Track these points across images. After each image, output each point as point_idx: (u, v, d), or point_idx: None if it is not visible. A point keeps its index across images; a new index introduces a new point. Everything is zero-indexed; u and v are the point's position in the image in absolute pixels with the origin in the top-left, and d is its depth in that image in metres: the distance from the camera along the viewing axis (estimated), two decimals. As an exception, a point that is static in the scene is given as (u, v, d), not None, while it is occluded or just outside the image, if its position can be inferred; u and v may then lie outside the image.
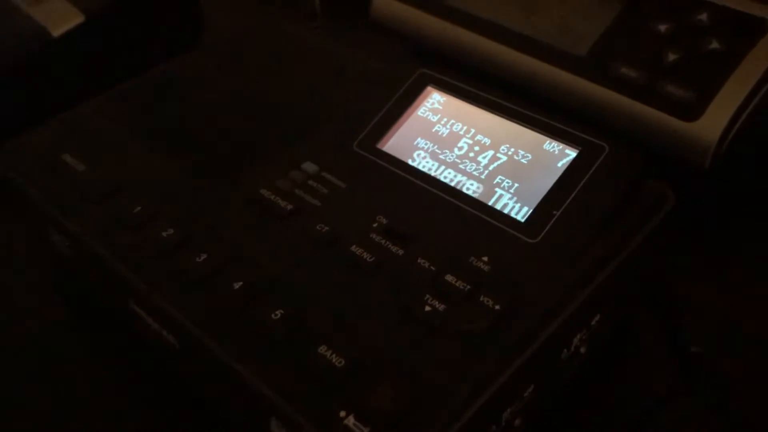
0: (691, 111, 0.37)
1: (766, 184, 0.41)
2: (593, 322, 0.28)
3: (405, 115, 0.33)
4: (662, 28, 0.40)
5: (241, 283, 0.27)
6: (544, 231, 0.28)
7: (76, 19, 0.47)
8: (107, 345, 0.34)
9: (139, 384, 0.32)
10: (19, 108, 0.46)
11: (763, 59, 0.37)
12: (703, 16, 0.39)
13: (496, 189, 0.29)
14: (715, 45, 0.38)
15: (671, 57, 0.39)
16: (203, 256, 0.28)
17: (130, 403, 0.31)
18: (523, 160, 0.30)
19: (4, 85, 0.45)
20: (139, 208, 0.30)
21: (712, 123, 0.36)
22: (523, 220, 0.28)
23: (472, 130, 0.31)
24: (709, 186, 0.37)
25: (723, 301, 0.35)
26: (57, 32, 0.46)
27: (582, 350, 0.29)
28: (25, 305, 0.36)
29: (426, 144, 0.32)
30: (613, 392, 0.31)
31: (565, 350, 0.27)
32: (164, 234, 0.29)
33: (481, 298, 0.25)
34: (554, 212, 0.28)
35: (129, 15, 0.49)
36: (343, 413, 0.23)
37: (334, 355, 0.24)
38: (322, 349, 0.24)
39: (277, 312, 0.26)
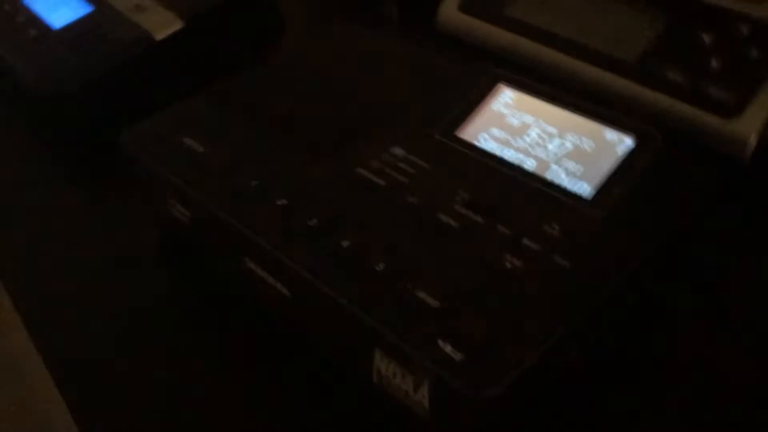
0: (732, 110, 0.41)
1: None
2: (646, 285, 0.33)
3: (480, 108, 0.38)
4: (706, 38, 0.44)
5: (348, 242, 0.32)
6: (607, 206, 0.32)
7: (176, 24, 0.53)
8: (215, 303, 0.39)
9: (248, 337, 0.37)
10: (124, 105, 0.52)
11: (798, 67, 0.41)
12: (744, 29, 0.44)
13: (564, 171, 0.34)
14: (754, 54, 0.42)
15: (715, 64, 0.43)
16: (314, 221, 0.33)
17: (237, 355, 0.37)
18: (587, 147, 0.35)
19: (112, 84, 0.51)
20: (255, 182, 0.35)
21: (751, 120, 0.41)
22: (588, 197, 0.33)
23: (541, 121, 0.36)
24: (751, 177, 0.42)
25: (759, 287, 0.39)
26: (159, 36, 0.52)
27: (635, 307, 0.33)
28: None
29: (499, 132, 0.37)
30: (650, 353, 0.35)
31: (622, 306, 0.32)
32: (278, 203, 0.34)
33: (554, 257, 0.30)
34: (615, 191, 0.32)
35: (222, 20, 0.54)
36: (441, 342, 0.27)
37: (431, 298, 0.29)
38: (421, 293, 0.29)
39: (380, 264, 0.31)
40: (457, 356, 0.27)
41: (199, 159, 0.38)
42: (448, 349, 0.27)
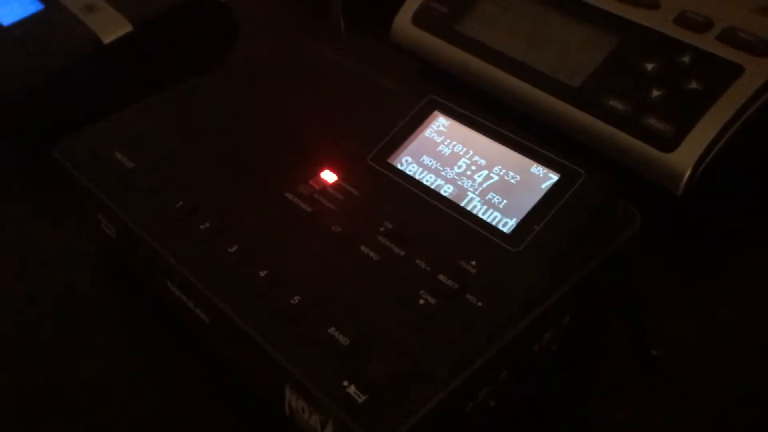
0: (669, 143, 0.41)
1: (738, 210, 0.45)
2: (563, 322, 0.33)
3: (413, 135, 0.38)
4: (649, 66, 0.44)
5: (266, 271, 0.32)
6: (525, 242, 0.32)
7: (125, 27, 0.52)
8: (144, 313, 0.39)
9: (171, 352, 0.37)
10: (69, 107, 0.51)
11: (735, 100, 0.41)
12: (686, 58, 0.44)
13: (488, 204, 0.34)
14: (694, 85, 0.43)
15: (655, 93, 0.43)
16: (234, 247, 0.33)
17: (161, 366, 0.36)
18: (512, 180, 0.35)
19: (57, 85, 0.50)
20: (180, 203, 0.35)
21: (686, 155, 0.41)
22: (508, 232, 0.33)
23: (471, 152, 0.36)
24: (683, 209, 0.42)
25: (689, 311, 0.39)
26: (107, 39, 0.51)
27: (553, 346, 0.33)
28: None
29: (430, 161, 0.37)
30: (581, 386, 0.36)
31: (537, 344, 0.32)
32: (202, 227, 0.34)
33: (467, 296, 0.30)
34: (535, 227, 0.33)
35: (172, 25, 0.54)
36: (345, 383, 0.27)
37: (341, 335, 0.29)
38: (332, 329, 0.29)
39: (295, 297, 0.31)
40: (361, 398, 0.27)
41: (127, 175, 0.37)
42: (351, 390, 0.27)
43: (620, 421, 0.34)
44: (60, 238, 0.44)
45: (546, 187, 0.34)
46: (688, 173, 0.41)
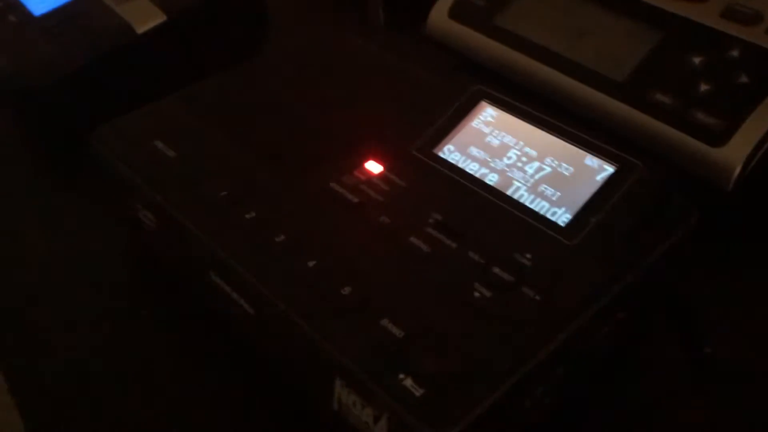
0: (718, 137, 0.40)
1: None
2: (619, 318, 0.32)
3: (460, 125, 0.37)
4: (697, 60, 0.43)
5: (314, 262, 0.31)
6: (582, 235, 0.31)
7: (159, 17, 0.51)
8: (179, 312, 0.38)
9: (211, 349, 0.36)
10: (103, 98, 0.50)
11: (788, 94, 0.40)
12: (735, 52, 0.43)
13: (540, 196, 0.33)
14: (744, 79, 0.42)
15: (703, 87, 0.42)
16: (281, 237, 0.32)
17: (201, 365, 0.36)
18: (565, 172, 0.34)
19: (91, 75, 0.50)
20: (225, 192, 0.34)
21: (737, 149, 0.40)
22: (563, 225, 0.32)
23: (521, 143, 0.35)
24: (734, 205, 0.41)
25: (738, 308, 0.38)
26: (141, 29, 0.51)
27: (607, 342, 0.32)
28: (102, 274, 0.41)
29: (478, 152, 0.36)
30: (630, 386, 0.35)
31: (593, 340, 0.31)
32: (247, 216, 0.33)
33: (523, 289, 0.29)
34: (591, 219, 0.32)
35: (206, 15, 0.53)
36: (402, 375, 0.27)
37: (395, 327, 0.28)
38: (385, 321, 0.28)
39: (345, 288, 0.30)
40: (418, 392, 0.26)
41: (169, 164, 0.37)
42: (408, 383, 0.26)
43: (674, 418, 0.33)
44: (92, 230, 0.43)
45: (602, 179, 0.33)
46: (738, 168, 0.40)
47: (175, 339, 0.37)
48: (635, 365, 0.36)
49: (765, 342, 0.37)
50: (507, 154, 0.35)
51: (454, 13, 0.53)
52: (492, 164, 0.35)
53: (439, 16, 0.53)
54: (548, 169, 0.34)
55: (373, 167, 0.36)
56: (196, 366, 0.36)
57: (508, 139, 0.36)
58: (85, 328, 0.38)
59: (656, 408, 0.34)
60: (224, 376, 0.35)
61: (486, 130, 0.36)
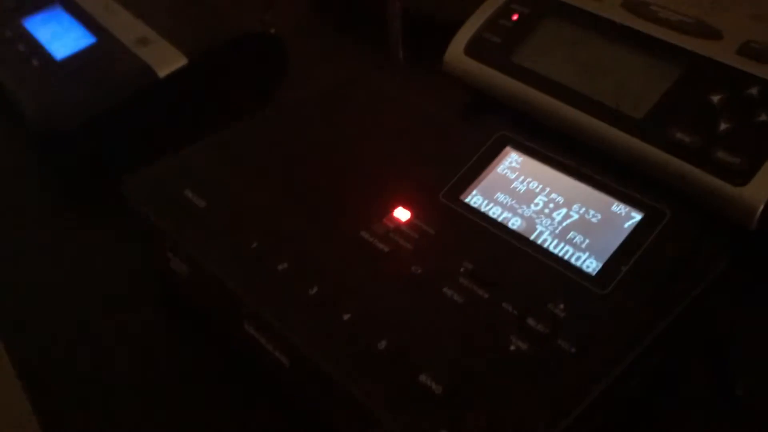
0: (741, 176, 0.41)
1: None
2: (653, 363, 0.32)
3: (486, 171, 0.37)
4: (715, 98, 0.44)
5: (349, 314, 0.31)
6: (613, 284, 0.32)
7: (181, 61, 0.52)
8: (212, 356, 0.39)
9: (249, 399, 0.37)
10: (124, 141, 0.51)
11: (808, 133, 0.41)
12: (754, 90, 0.43)
13: (569, 243, 0.34)
14: (764, 117, 0.42)
15: (723, 126, 0.43)
16: (315, 288, 0.33)
17: (239, 416, 0.36)
18: (593, 219, 0.34)
19: (114, 119, 0.50)
20: (256, 243, 0.35)
21: (759, 188, 0.40)
22: (593, 274, 0.32)
23: (547, 189, 0.36)
24: (759, 245, 0.41)
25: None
26: (162, 73, 0.52)
27: (641, 390, 0.33)
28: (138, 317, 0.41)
29: (505, 198, 0.36)
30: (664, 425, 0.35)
31: (627, 389, 0.31)
32: (280, 267, 0.34)
33: (559, 341, 0.30)
34: (622, 268, 0.32)
35: (226, 59, 0.54)
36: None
37: (433, 382, 0.28)
38: (423, 377, 0.29)
39: (381, 342, 0.30)
40: (459, 448, 0.27)
41: (199, 214, 0.37)
42: (449, 440, 0.27)
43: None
44: (124, 277, 0.43)
45: (629, 226, 0.33)
46: (761, 207, 0.40)
47: (212, 390, 0.37)
48: (672, 407, 0.36)
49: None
50: (534, 200, 0.36)
51: (470, 51, 0.53)
52: (519, 210, 0.36)
53: (456, 53, 0.54)
54: (575, 216, 0.35)
55: (402, 214, 0.36)
56: (234, 417, 0.36)
57: (534, 185, 0.36)
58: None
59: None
60: (263, 424, 0.35)
61: (512, 176, 0.37)
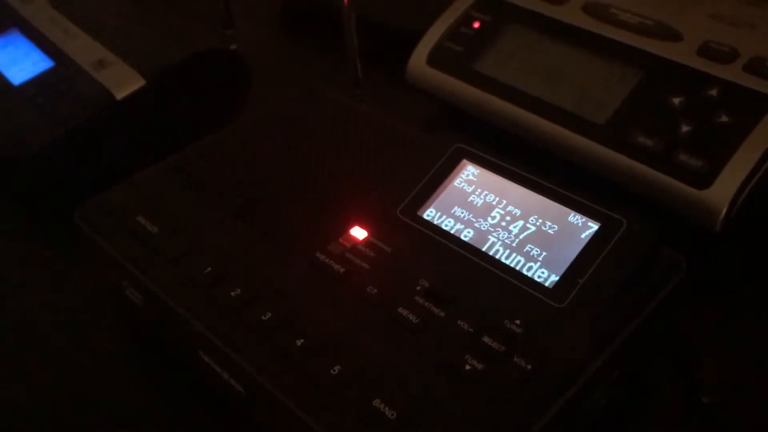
0: (703, 179, 0.40)
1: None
2: (613, 376, 0.32)
3: (443, 186, 0.37)
4: (676, 100, 0.43)
5: (303, 340, 0.31)
6: (570, 297, 0.31)
7: (138, 82, 0.51)
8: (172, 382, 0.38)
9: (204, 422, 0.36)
10: (84, 166, 0.50)
11: (769, 133, 0.40)
12: (714, 91, 0.43)
13: (526, 257, 0.33)
14: (725, 118, 0.42)
15: (684, 128, 0.42)
16: (268, 315, 0.32)
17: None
18: (550, 231, 0.34)
19: (73, 143, 0.49)
20: (208, 269, 0.34)
21: (722, 191, 0.40)
22: (550, 287, 0.32)
23: (504, 201, 0.35)
24: (722, 248, 0.41)
25: (736, 354, 0.38)
26: (120, 95, 0.51)
27: (602, 402, 0.32)
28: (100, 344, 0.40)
29: (462, 212, 0.36)
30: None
31: (588, 402, 0.31)
32: (233, 294, 0.33)
33: (515, 359, 0.29)
34: (579, 280, 0.31)
35: (186, 78, 0.53)
36: (396, 460, 0.26)
37: (386, 408, 0.28)
38: (377, 401, 0.28)
39: (335, 367, 0.29)
40: (413, 476, 0.26)
41: (152, 240, 0.36)
42: (403, 467, 0.26)
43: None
44: (81, 307, 0.43)
45: (586, 237, 0.33)
46: (725, 209, 0.39)
47: (170, 415, 0.36)
48: (638, 417, 0.35)
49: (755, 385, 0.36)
50: (491, 213, 0.35)
51: (433, 60, 0.53)
52: (476, 224, 0.35)
53: (418, 63, 0.54)
54: (532, 228, 0.34)
55: (358, 233, 0.36)
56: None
57: (491, 198, 0.36)
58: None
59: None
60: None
61: (468, 189, 0.36)
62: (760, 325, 0.40)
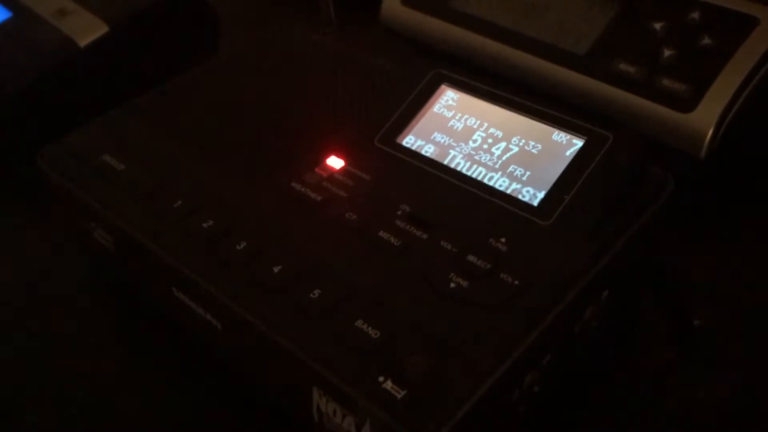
0: (687, 103, 0.39)
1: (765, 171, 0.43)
2: (603, 297, 0.31)
3: (422, 112, 0.35)
4: (658, 26, 0.42)
5: (280, 266, 0.29)
6: (556, 214, 0.30)
7: (101, 29, 0.49)
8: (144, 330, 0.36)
9: (178, 367, 0.34)
10: (48, 117, 0.48)
11: (753, 54, 0.39)
12: (696, 14, 0.42)
13: (510, 177, 0.32)
14: (707, 41, 0.41)
15: (667, 53, 0.41)
16: (243, 244, 0.30)
17: (170, 384, 0.34)
18: (533, 150, 0.32)
19: (37, 93, 0.47)
20: (179, 202, 0.33)
21: (706, 114, 0.39)
22: (536, 205, 0.31)
23: (485, 124, 0.34)
24: (708, 172, 0.40)
25: (724, 279, 0.37)
26: (83, 42, 0.49)
27: (593, 323, 0.31)
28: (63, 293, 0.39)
29: (442, 138, 0.34)
30: (621, 365, 0.34)
31: (578, 322, 0.30)
32: (205, 225, 0.31)
33: (501, 275, 0.28)
34: (564, 197, 0.30)
35: (151, 24, 0.51)
36: (381, 378, 0.25)
37: (370, 328, 0.27)
38: (359, 323, 0.27)
39: (315, 291, 0.28)
40: (400, 394, 0.25)
41: (119, 178, 0.35)
42: (388, 386, 0.25)
43: (672, 397, 0.32)
44: (49, 253, 0.41)
45: (571, 153, 0.32)
46: (710, 133, 0.39)
47: (148, 362, 0.35)
48: (629, 342, 0.34)
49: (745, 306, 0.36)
50: (472, 137, 0.34)
51: (407, 0, 0.51)
52: (458, 149, 0.34)
53: (393, 4, 0.52)
54: (515, 149, 0.33)
55: (335, 162, 0.34)
56: (170, 385, 0.34)
57: (472, 122, 0.34)
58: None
59: (652, 385, 0.32)
60: (199, 397, 0.33)
61: (448, 114, 0.35)
62: (748, 249, 0.39)
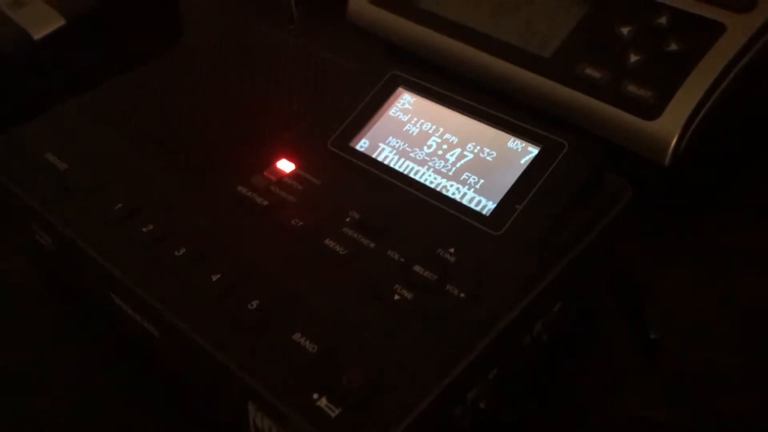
0: (652, 110, 0.38)
1: (730, 178, 0.42)
2: (554, 310, 0.30)
3: (377, 115, 0.34)
4: (624, 30, 0.41)
5: (219, 275, 0.28)
6: (507, 224, 0.29)
7: (58, 22, 0.48)
8: (89, 333, 0.35)
9: (120, 371, 0.33)
10: (4, 108, 0.47)
11: (719, 60, 0.38)
12: (663, 19, 0.41)
13: (463, 185, 0.31)
14: (674, 47, 0.40)
15: (633, 58, 0.40)
16: (182, 250, 0.29)
17: (111, 388, 0.33)
18: (488, 158, 0.31)
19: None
20: (120, 204, 0.31)
21: (671, 122, 0.38)
22: (487, 214, 0.30)
23: (441, 129, 0.33)
24: (673, 180, 0.39)
25: (685, 290, 0.36)
26: (38, 35, 0.47)
27: (544, 337, 0.30)
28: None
29: (397, 142, 0.33)
30: (574, 378, 0.33)
31: (528, 336, 0.29)
32: (144, 229, 0.30)
33: (447, 287, 0.27)
34: (517, 206, 0.29)
35: (109, 18, 0.49)
36: (315, 395, 0.24)
37: (307, 341, 0.25)
38: (297, 336, 0.26)
39: (253, 302, 0.27)
40: (334, 411, 0.24)
41: (60, 177, 0.33)
42: (323, 403, 0.24)
43: (621, 413, 0.31)
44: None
45: (525, 162, 0.31)
46: (674, 141, 0.38)
47: (85, 367, 0.34)
48: (583, 352, 0.34)
49: (714, 321, 0.35)
50: (427, 142, 0.33)
51: (375, -1, 0.50)
52: (412, 154, 0.33)
53: (360, 2, 0.51)
54: (470, 156, 0.32)
55: (285, 166, 0.33)
56: (105, 391, 0.32)
57: (428, 126, 0.33)
58: None
59: (604, 400, 0.32)
60: (132, 403, 0.32)
61: (404, 118, 0.34)
62: (708, 257, 0.38)
